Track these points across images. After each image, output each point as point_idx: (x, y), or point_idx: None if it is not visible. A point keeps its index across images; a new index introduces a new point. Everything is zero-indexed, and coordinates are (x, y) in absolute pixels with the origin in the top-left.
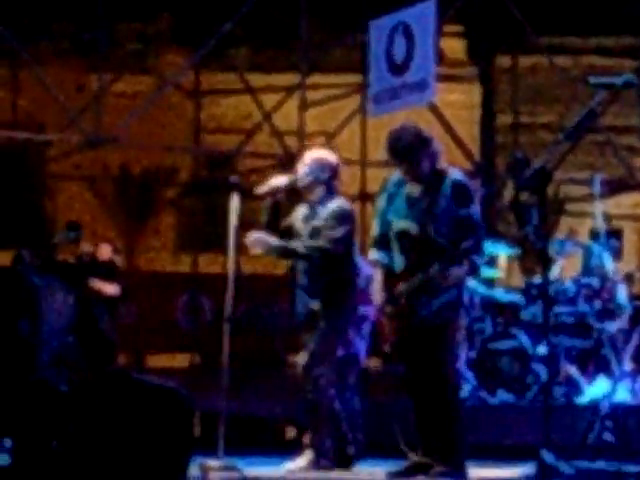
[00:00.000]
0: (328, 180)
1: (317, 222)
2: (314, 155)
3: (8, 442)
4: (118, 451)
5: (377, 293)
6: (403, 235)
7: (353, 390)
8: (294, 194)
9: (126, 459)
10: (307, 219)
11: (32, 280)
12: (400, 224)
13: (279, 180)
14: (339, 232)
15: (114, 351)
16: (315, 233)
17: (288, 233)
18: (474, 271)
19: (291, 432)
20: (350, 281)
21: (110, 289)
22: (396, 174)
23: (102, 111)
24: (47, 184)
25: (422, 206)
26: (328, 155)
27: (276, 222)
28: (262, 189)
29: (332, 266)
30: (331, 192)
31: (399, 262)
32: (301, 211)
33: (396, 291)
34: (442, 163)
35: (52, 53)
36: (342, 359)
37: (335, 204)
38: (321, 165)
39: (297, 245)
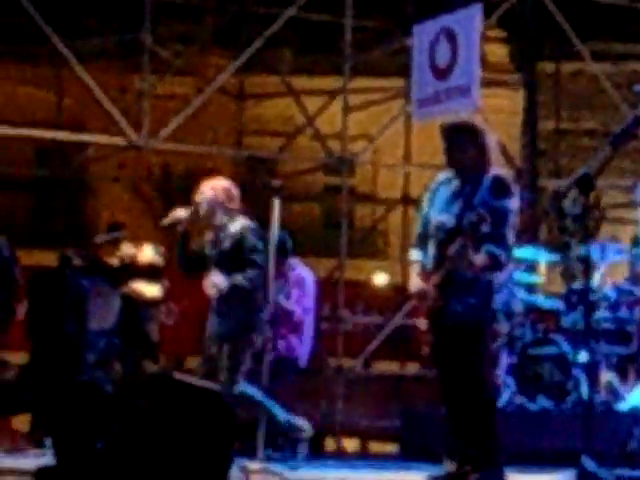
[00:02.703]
0: (224, 204)
1: (224, 246)
2: (209, 184)
3: (51, 442)
4: (161, 452)
5: (413, 289)
6: (439, 228)
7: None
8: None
9: (169, 460)
10: (214, 245)
11: (79, 281)
12: (439, 218)
13: (180, 212)
14: (259, 255)
15: (157, 352)
16: (223, 258)
17: (198, 259)
18: (496, 265)
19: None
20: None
21: (150, 291)
22: (443, 174)
23: (144, 112)
24: (89, 185)
25: (462, 199)
26: (221, 181)
27: (187, 253)
28: (165, 221)
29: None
30: (231, 215)
31: (432, 255)
32: (208, 237)
33: (430, 284)
34: (493, 163)
35: (95, 53)
36: (278, 361)
37: (238, 225)
38: (216, 191)
39: (239, 279)
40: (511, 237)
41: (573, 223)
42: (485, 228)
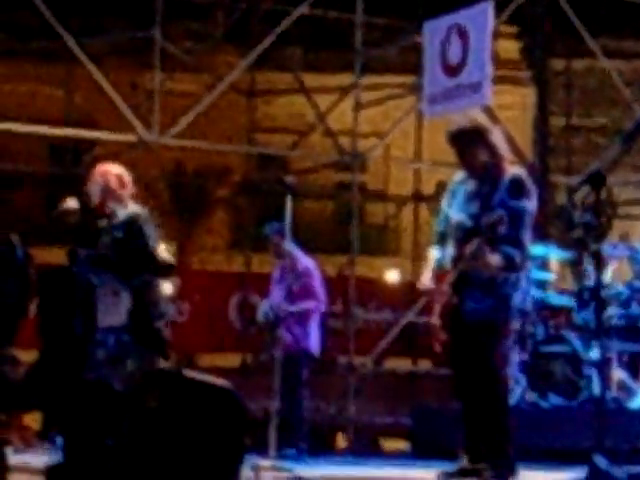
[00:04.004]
0: (116, 191)
1: (117, 234)
2: (100, 170)
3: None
4: (171, 449)
5: (421, 287)
6: (458, 228)
7: (305, 385)
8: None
9: (179, 458)
10: (106, 232)
11: (88, 278)
12: (457, 217)
13: (70, 202)
14: (148, 242)
15: (168, 350)
16: (118, 244)
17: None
18: (512, 265)
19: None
20: None
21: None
22: (460, 173)
23: (155, 110)
24: None
25: (480, 199)
26: (112, 167)
27: (85, 242)
28: (55, 212)
29: None
30: (122, 202)
31: (451, 254)
32: (102, 224)
33: (445, 282)
34: (505, 160)
35: (106, 51)
36: (290, 355)
37: (129, 212)
38: (106, 178)
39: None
40: (528, 238)
41: (584, 220)
42: (502, 229)
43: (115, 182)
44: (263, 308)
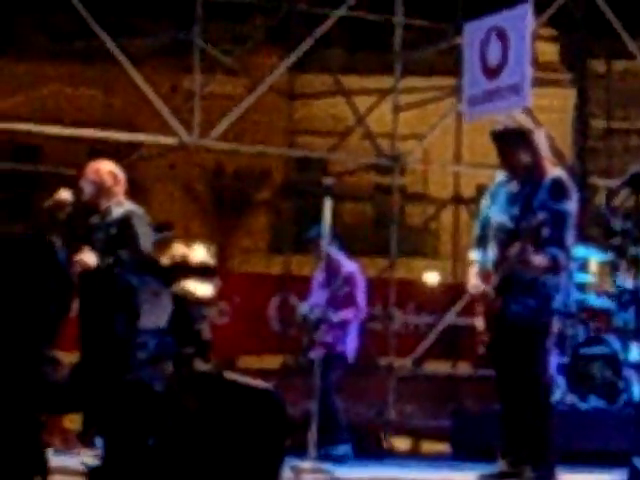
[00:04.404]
0: (110, 189)
1: (110, 231)
2: (93, 167)
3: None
4: (212, 451)
5: (473, 290)
6: (499, 229)
7: (334, 389)
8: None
9: (220, 459)
10: (100, 229)
11: (129, 280)
12: (498, 219)
13: (64, 195)
14: (142, 241)
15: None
16: (109, 243)
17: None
18: (556, 267)
19: (383, 437)
20: None
21: (202, 290)
22: (501, 174)
23: (195, 112)
24: (140, 184)
25: (521, 201)
26: (106, 164)
27: (74, 237)
28: (47, 203)
29: None
30: (116, 200)
31: (493, 256)
32: (93, 221)
33: (489, 285)
34: (547, 162)
35: (146, 53)
36: (327, 358)
37: (123, 210)
38: (100, 175)
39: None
40: (571, 239)
41: (624, 222)
42: (545, 232)
43: (109, 179)
44: (302, 309)
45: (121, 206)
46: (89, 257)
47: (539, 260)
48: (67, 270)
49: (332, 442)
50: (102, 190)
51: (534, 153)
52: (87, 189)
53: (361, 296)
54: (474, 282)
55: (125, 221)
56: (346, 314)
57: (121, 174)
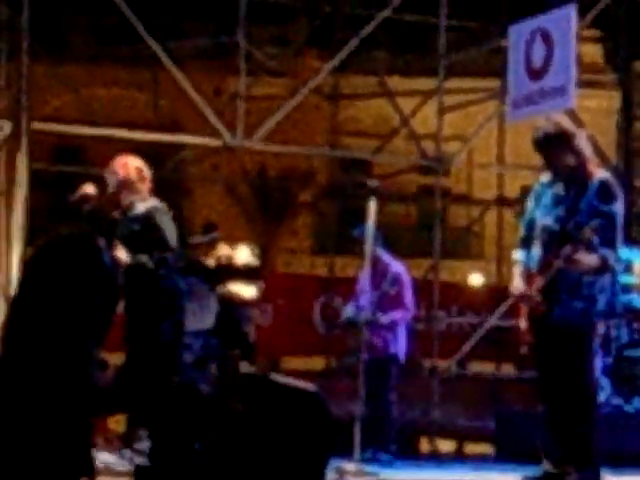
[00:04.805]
0: (135, 184)
1: (133, 226)
2: (120, 161)
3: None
4: (257, 452)
5: (516, 292)
6: (545, 231)
7: (393, 389)
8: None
9: (265, 461)
10: (124, 224)
11: (175, 282)
12: (543, 220)
13: (88, 188)
14: (167, 237)
15: (254, 353)
16: (131, 238)
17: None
18: (605, 267)
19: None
20: None
21: (247, 292)
22: (546, 175)
23: (239, 113)
24: (185, 185)
25: (567, 203)
26: (133, 159)
27: (98, 231)
28: (73, 197)
29: None
30: (141, 195)
31: (537, 257)
32: (115, 215)
33: (534, 288)
34: (591, 163)
35: (191, 55)
36: (378, 360)
37: (147, 206)
38: (127, 170)
39: (144, 259)
40: (619, 240)
41: None
42: (596, 239)
43: (135, 174)
44: (347, 312)
45: (145, 202)
46: (122, 253)
47: (589, 260)
48: (113, 271)
49: (379, 446)
50: (127, 185)
51: (578, 155)
52: (112, 183)
53: (409, 297)
54: (517, 284)
55: (149, 218)
56: (395, 315)
57: (148, 171)
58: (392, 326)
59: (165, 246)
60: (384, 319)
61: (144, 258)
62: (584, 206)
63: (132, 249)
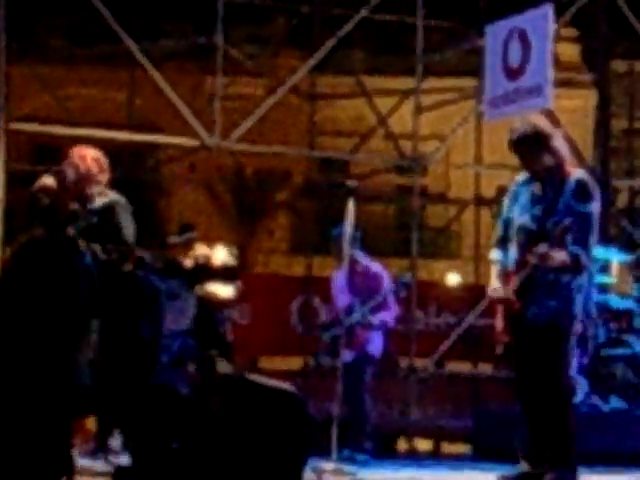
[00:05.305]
0: (94, 176)
1: (93, 219)
2: (79, 152)
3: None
4: (236, 452)
5: (494, 284)
6: (522, 230)
7: (368, 391)
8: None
9: (243, 460)
10: (81, 216)
11: (153, 283)
12: (520, 220)
13: (47, 180)
14: (124, 231)
15: (232, 354)
16: (89, 231)
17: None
18: (577, 265)
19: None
20: None
21: (224, 292)
22: (522, 175)
23: (217, 113)
24: (162, 185)
25: (544, 202)
26: (91, 151)
27: (55, 224)
28: (33, 189)
29: None
30: (100, 187)
31: (514, 257)
32: (73, 208)
33: (510, 287)
34: (568, 163)
35: (168, 55)
36: (355, 359)
37: (106, 199)
38: (85, 161)
39: (97, 249)
40: (594, 240)
41: None
42: (569, 236)
43: (94, 166)
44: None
45: (105, 195)
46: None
47: (560, 257)
48: (93, 273)
49: (356, 446)
50: (86, 176)
51: (554, 155)
52: (71, 174)
53: (391, 296)
54: (494, 284)
55: (109, 211)
56: (384, 316)
57: (106, 162)
58: (381, 327)
59: (121, 242)
60: (375, 320)
61: (97, 248)
62: (561, 206)
63: (89, 242)
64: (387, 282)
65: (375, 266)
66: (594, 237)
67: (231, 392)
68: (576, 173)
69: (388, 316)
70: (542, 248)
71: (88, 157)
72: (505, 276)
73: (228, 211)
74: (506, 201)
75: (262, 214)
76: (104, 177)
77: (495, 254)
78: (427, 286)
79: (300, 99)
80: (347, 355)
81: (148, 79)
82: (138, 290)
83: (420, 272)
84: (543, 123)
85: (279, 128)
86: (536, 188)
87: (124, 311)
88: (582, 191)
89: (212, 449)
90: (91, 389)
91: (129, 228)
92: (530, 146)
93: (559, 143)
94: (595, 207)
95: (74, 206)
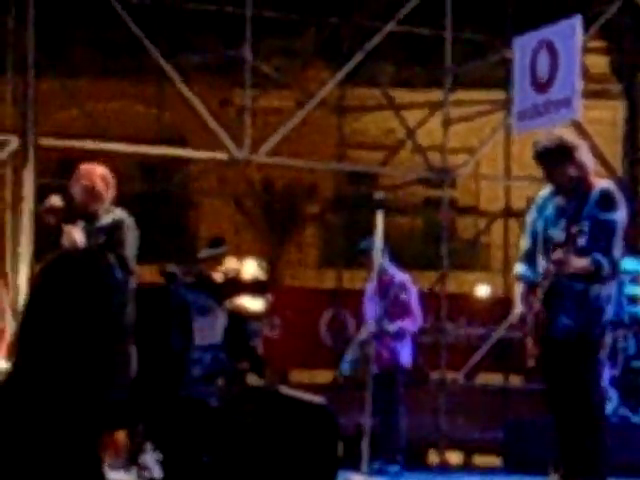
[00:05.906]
0: (101, 193)
1: (100, 237)
2: (85, 170)
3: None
4: (266, 465)
5: (519, 306)
6: (548, 242)
7: (401, 400)
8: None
9: (274, 473)
10: (88, 234)
11: (184, 297)
12: (547, 233)
13: (55, 200)
14: (128, 250)
15: (263, 367)
16: (99, 248)
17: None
18: (599, 274)
19: (432, 453)
20: None
21: (254, 306)
22: (547, 188)
23: (246, 127)
24: (191, 199)
25: (568, 213)
26: (97, 167)
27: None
28: (41, 209)
29: None
30: (107, 205)
31: (542, 270)
32: (80, 226)
33: (536, 297)
34: (592, 174)
35: (197, 69)
36: (386, 371)
37: (113, 217)
38: (92, 179)
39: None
40: (618, 249)
41: None
42: (584, 241)
43: (100, 183)
44: (345, 368)
45: (111, 213)
46: (78, 235)
47: (579, 263)
48: (123, 287)
49: (387, 458)
50: (93, 194)
51: (579, 167)
52: (77, 192)
53: (415, 305)
54: (518, 305)
55: (116, 229)
56: (403, 323)
57: (112, 179)
58: (400, 335)
59: (123, 264)
60: (392, 327)
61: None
62: (585, 215)
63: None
64: (412, 291)
65: (400, 275)
66: (619, 246)
67: (262, 405)
68: (601, 183)
69: (411, 324)
70: (557, 254)
71: (95, 174)
72: (533, 289)
73: (257, 224)
74: (531, 215)
75: (291, 227)
76: (111, 194)
77: (520, 268)
78: (457, 298)
79: (329, 112)
80: (372, 368)
81: (177, 93)
82: (168, 303)
83: (450, 284)
84: (568, 135)
85: (307, 141)
86: (561, 201)
87: (155, 325)
88: (606, 200)
89: (243, 462)
90: (125, 403)
91: (132, 247)
92: (554, 158)
93: (584, 155)
94: (620, 216)
95: (80, 224)
